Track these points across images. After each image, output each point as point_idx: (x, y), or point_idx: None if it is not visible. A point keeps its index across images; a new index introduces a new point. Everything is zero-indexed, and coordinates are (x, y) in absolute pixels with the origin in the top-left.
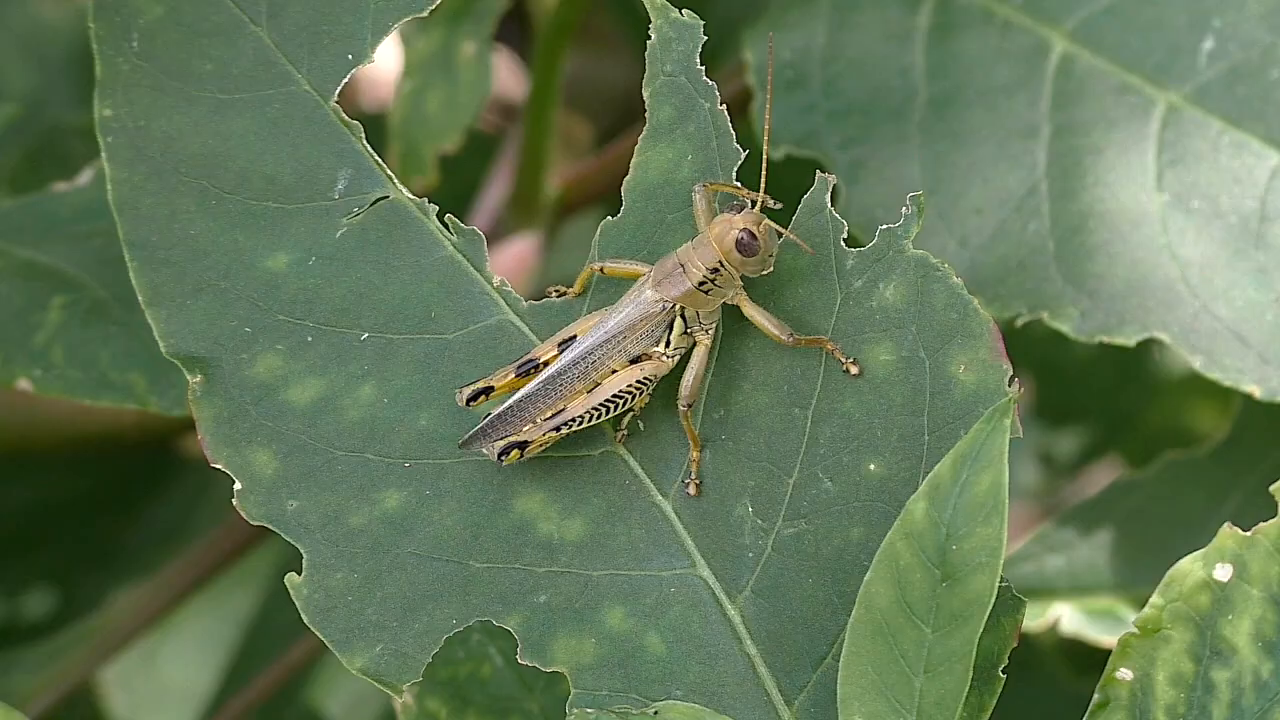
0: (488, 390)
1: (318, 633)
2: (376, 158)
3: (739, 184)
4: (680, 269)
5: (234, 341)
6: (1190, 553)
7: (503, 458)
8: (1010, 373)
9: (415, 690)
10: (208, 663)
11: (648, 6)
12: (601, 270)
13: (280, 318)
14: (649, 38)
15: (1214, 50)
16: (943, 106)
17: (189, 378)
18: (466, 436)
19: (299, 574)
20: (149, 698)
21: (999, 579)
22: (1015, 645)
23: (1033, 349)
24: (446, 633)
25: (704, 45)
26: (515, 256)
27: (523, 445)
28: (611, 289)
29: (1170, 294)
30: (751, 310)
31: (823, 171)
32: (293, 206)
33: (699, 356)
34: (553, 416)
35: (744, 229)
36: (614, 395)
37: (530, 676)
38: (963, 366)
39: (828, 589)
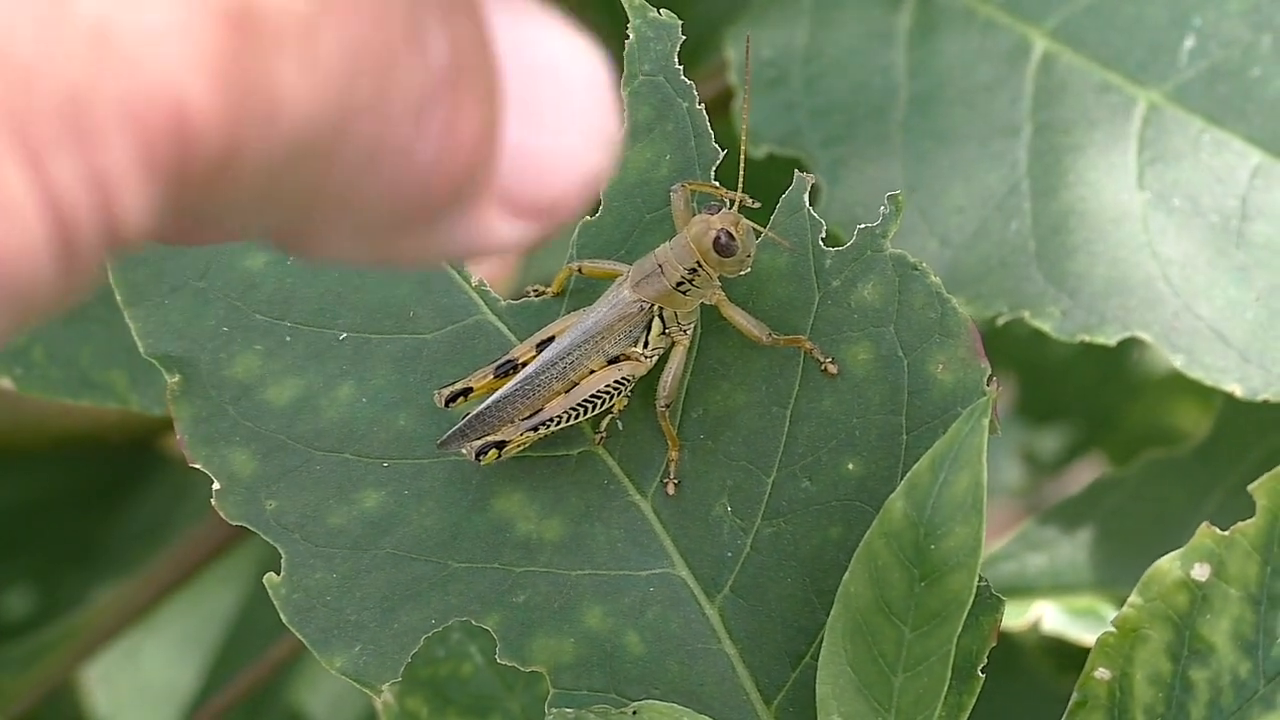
0: (466, 391)
1: (296, 633)
2: None
3: (717, 184)
4: (658, 269)
5: (212, 341)
6: (1171, 551)
7: (481, 458)
8: (989, 371)
9: (395, 689)
10: (190, 661)
11: (626, 6)
12: (580, 270)
13: (258, 317)
14: (627, 37)
15: (1195, 48)
16: (924, 105)
17: (167, 378)
18: (445, 436)
19: (277, 574)
20: (131, 696)
21: (977, 578)
22: (994, 644)
23: (1015, 348)
24: (425, 632)
25: (684, 44)
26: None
27: (501, 445)
28: (589, 289)
29: (1151, 293)
30: (730, 310)
31: (802, 170)
32: None
33: (677, 357)
34: (531, 416)
35: (722, 229)
36: (592, 395)
37: (511, 676)
38: (941, 365)
39: (806, 588)
